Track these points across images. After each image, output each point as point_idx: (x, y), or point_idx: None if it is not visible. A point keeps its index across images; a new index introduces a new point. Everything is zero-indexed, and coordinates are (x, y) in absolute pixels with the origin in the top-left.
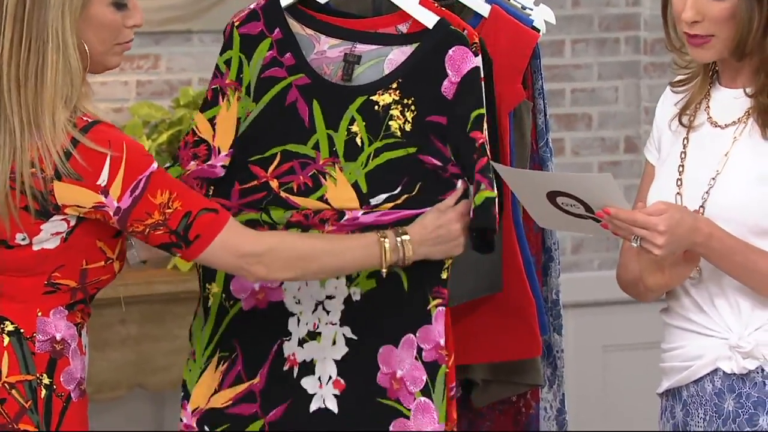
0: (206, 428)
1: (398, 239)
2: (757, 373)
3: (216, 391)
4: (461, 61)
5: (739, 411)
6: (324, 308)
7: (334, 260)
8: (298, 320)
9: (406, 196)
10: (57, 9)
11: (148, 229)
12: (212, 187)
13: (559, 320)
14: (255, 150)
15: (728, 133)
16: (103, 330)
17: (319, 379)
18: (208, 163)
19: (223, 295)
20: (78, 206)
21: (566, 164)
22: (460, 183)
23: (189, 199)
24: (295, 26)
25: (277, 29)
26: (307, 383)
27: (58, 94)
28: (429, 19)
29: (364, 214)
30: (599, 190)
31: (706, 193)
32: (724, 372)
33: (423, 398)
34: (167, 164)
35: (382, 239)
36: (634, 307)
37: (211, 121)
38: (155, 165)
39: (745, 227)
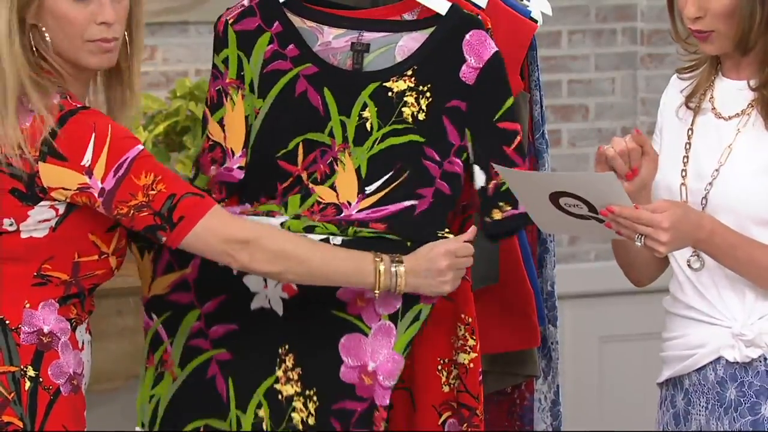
0: (153, 315)
1: (393, 266)
2: (760, 362)
3: (153, 279)
4: (480, 46)
5: (741, 399)
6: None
7: (321, 266)
8: None
9: (387, 190)
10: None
11: (132, 211)
12: (228, 199)
13: (554, 312)
14: (277, 145)
15: (732, 125)
16: (100, 321)
17: (265, 279)
18: (225, 166)
19: None
20: (64, 188)
21: (563, 155)
22: (473, 227)
23: (174, 182)
24: (295, 20)
25: (277, 22)
26: (250, 281)
27: (17, 80)
28: (441, 5)
29: (357, 212)
30: (602, 189)
31: (709, 184)
32: (726, 360)
33: (388, 322)
34: (191, 176)
35: (378, 260)
36: (630, 298)
37: (220, 122)
38: (140, 147)
39: (748, 218)
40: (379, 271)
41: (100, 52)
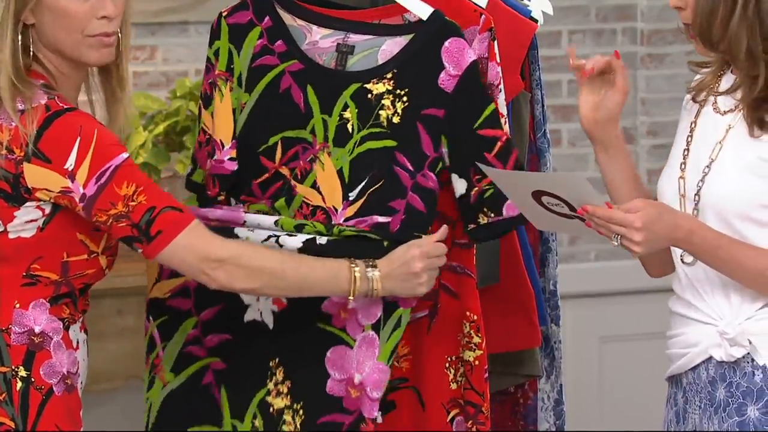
0: (151, 317)
1: (368, 271)
2: (747, 362)
3: (157, 280)
4: (459, 54)
5: (729, 400)
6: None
7: (297, 277)
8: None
9: (365, 197)
10: None
11: (111, 220)
12: (224, 192)
13: (557, 311)
14: (259, 140)
15: (725, 120)
16: (99, 321)
17: None
18: (215, 158)
19: None
20: (47, 190)
21: (563, 155)
22: (444, 226)
23: (155, 195)
24: (285, 17)
25: (267, 17)
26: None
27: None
28: (423, 10)
29: (344, 220)
30: (575, 188)
31: (701, 180)
32: (716, 360)
33: (371, 332)
34: (189, 169)
35: (353, 267)
36: (631, 298)
37: (213, 115)
38: (125, 155)
39: (734, 215)
40: (355, 277)
41: (101, 47)
